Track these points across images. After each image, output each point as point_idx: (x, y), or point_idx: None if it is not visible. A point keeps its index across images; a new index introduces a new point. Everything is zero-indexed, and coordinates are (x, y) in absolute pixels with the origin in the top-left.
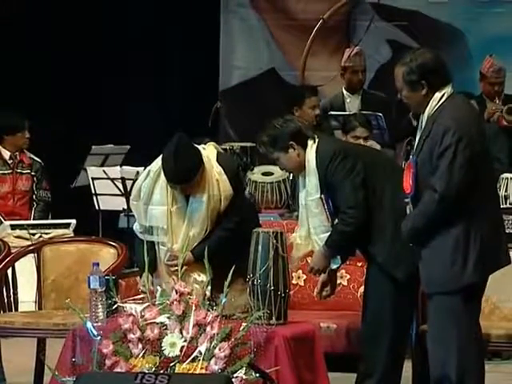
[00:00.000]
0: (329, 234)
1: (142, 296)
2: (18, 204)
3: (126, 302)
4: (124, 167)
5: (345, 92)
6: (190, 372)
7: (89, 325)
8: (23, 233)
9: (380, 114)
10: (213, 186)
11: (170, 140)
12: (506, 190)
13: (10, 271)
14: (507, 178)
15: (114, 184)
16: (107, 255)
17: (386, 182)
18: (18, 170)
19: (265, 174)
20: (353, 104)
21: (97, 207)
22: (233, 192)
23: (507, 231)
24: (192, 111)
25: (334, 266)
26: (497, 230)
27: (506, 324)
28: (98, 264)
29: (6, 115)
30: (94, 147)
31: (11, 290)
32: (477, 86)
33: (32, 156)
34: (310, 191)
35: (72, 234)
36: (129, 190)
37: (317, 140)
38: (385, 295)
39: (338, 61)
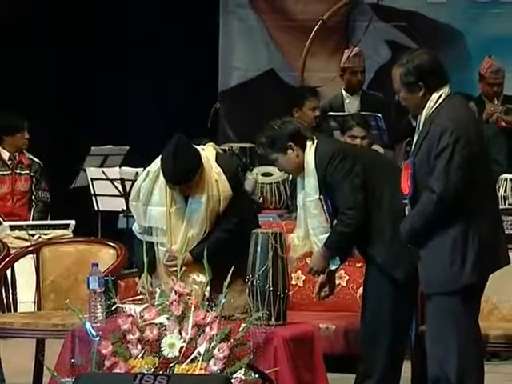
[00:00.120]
0: (328, 235)
1: (141, 297)
2: (17, 205)
3: (125, 303)
4: (123, 168)
5: (344, 93)
6: (189, 373)
7: (88, 325)
8: (22, 233)
9: (379, 115)
10: (212, 187)
11: (169, 141)
12: (505, 191)
13: (9, 272)
14: (506, 179)
15: (113, 185)
16: (106, 256)
17: (384, 183)
18: (17, 171)
19: (264, 174)
20: (352, 105)
21: (96, 208)
22: (232, 193)
23: (507, 232)
24: (191, 112)
25: (332, 267)
26: (495, 231)
27: (505, 325)
28: (97, 265)
29: (5, 116)
30: (93, 148)
31: (10, 291)
32: (476, 87)
33: (31, 157)
34: (309, 192)
35: (71, 235)
36: (128, 190)
37: (315, 141)
38: (384, 296)
39: (337, 62)
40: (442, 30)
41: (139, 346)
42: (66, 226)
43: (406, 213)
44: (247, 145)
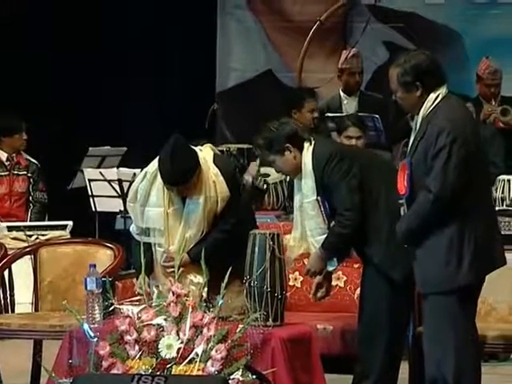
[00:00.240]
0: (325, 236)
1: (138, 298)
2: (15, 205)
3: (122, 304)
4: (121, 169)
5: (342, 94)
6: (187, 374)
7: (85, 326)
8: (20, 234)
9: (377, 116)
10: (209, 188)
11: (166, 142)
12: (502, 192)
13: (6, 273)
14: (504, 180)
15: (111, 186)
16: (104, 257)
17: (381, 184)
18: (15, 172)
19: (262, 175)
20: (350, 106)
21: (93, 209)
22: (229, 194)
23: (505, 233)
24: (189, 113)
25: (330, 268)
26: (491, 231)
27: (503, 325)
28: (94, 266)
29: (3, 117)
30: (90, 149)
31: (8, 292)
32: (473, 88)
33: (28, 157)
34: (306, 193)
35: (69, 236)
36: (126, 191)
37: (313, 142)
38: (381, 296)
39: (335, 62)
40: (439, 31)
41: (137, 347)
42: (64, 227)
43: (402, 213)
44: (245, 146)
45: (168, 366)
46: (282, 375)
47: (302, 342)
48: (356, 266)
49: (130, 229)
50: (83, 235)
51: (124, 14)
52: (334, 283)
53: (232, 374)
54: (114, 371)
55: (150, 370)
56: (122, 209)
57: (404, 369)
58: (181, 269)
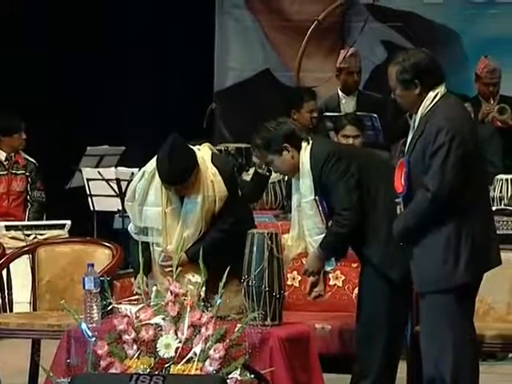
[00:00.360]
0: (323, 236)
1: (136, 297)
2: (13, 205)
3: (120, 303)
4: (119, 168)
5: (340, 93)
6: (185, 373)
7: (84, 326)
8: (18, 234)
9: (375, 115)
10: (207, 187)
11: (164, 141)
12: (500, 191)
13: (4, 272)
14: (502, 180)
15: (109, 185)
16: (102, 256)
17: (379, 183)
18: (13, 171)
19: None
20: (348, 105)
21: (92, 208)
22: (227, 193)
23: (503, 232)
24: (187, 112)
25: (328, 268)
26: (488, 230)
27: (501, 325)
28: (92, 265)
29: (2, 117)
30: (89, 148)
31: (6, 291)
32: (472, 88)
33: (27, 157)
34: (304, 193)
35: (67, 235)
36: (124, 190)
37: (311, 142)
38: (379, 296)
39: (333, 62)
40: (437, 31)
41: (135, 347)
42: (62, 227)
43: (398, 212)
44: (243, 145)
45: (166, 365)
46: (281, 374)
47: (300, 342)
48: (354, 265)
49: (128, 228)
50: (81, 234)
51: (121, 13)
52: (332, 282)
53: (230, 373)
54: (112, 371)
55: (148, 370)
56: (120, 208)
57: (402, 368)
58: (179, 268)
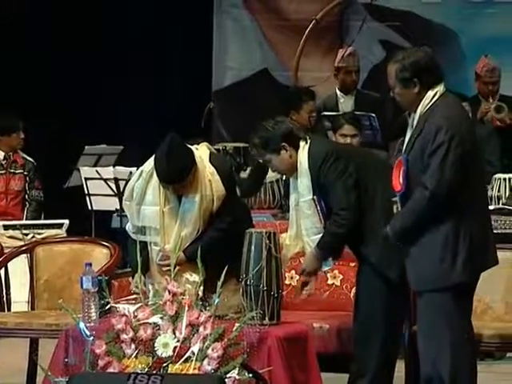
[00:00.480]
0: (321, 235)
1: (134, 296)
2: (11, 204)
3: (118, 303)
4: (117, 167)
5: (338, 92)
6: (183, 372)
7: (81, 325)
8: (16, 233)
9: (373, 115)
10: (205, 187)
11: (162, 140)
12: (498, 191)
13: (2, 271)
14: (500, 179)
15: (107, 184)
16: (100, 255)
17: (377, 183)
18: (12, 170)
19: None
20: (346, 104)
21: (90, 207)
22: (225, 192)
23: (501, 231)
24: (185, 112)
25: (325, 268)
26: (485, 230)
27: (498, 324)
28: (90, 264)
29: (1, 116)
30: (87, 147)
31: (4, 291)
32: (470, 87)
33: (25, 156)
34: (302, 192)
35: (65, 234)
36: (122, 190)
37: (309, 141)
38: (377, 295)
39: (331, 61)
40: (435, 30)
41: (133, 346)
42: (60, 226)
43: (395, 211)
44: (241, 144)
45: (164, 364)
46: (279, 374)
47: (298, 341)
48: (352, 264)
49: (126, 227)
50: (79, 234)
51: (119, 13)
52: (330, 282)
53: (228, 372)
54: (110, 370)
55: (146, 369)
56: (118, 207)
57: (400, 367)
58: (177, 267)
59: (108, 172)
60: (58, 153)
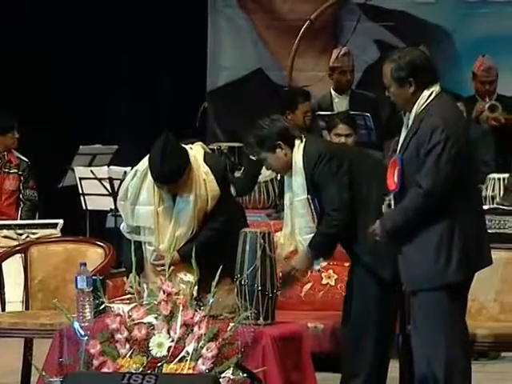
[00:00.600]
0: (312, 235)
1: (129, 296)
2: (5, 204)
3: (113, 302)
4: (111, 167)
5: (333, 92)
6: (178, 372)
7: (76, 325)
8: (10, 233)
9: (367, 114)
10: (200, 186)
11: (157, 140)
12: (492, 190)
13: None
14: (494, 179)
15: (102, 184)
16: (94, 255)
17: (371, 182)
18: (6, 170)
19: None
20: (341, 104)
21: (84, 207)
22: (220, 192)
23: (495, 231)
24: (179, 111)
25: (316, 267)
26: (479, 230)
27: (493, 324)
28: (85, 264)
29: None
30: (81, 147)
31: None
32: (465, 87)
33: (19, 155)
34: (297, 191)
35: (59, 234)
36: (116, 189)
37: (304, 140)
38: (370, 295)
39: (326, 61)
40: (430, 30)
41: (127, 346)
42: (54, 226)
43: (383, 210)
44: (235, 144)
45: (159, 364)
46: (273, 373)
47: (292, 341)
48: (346, 264)
49: (121, 227)
50: (74, 233)
51: (112, 13)
52: (324, 282)
53: (223, 372)
54: (105, 370)
55: (141, 369)
56: (113, 207)
57: (394, 367)
58: (171, 267)
59: (102, 172)
60: (52, 152)
